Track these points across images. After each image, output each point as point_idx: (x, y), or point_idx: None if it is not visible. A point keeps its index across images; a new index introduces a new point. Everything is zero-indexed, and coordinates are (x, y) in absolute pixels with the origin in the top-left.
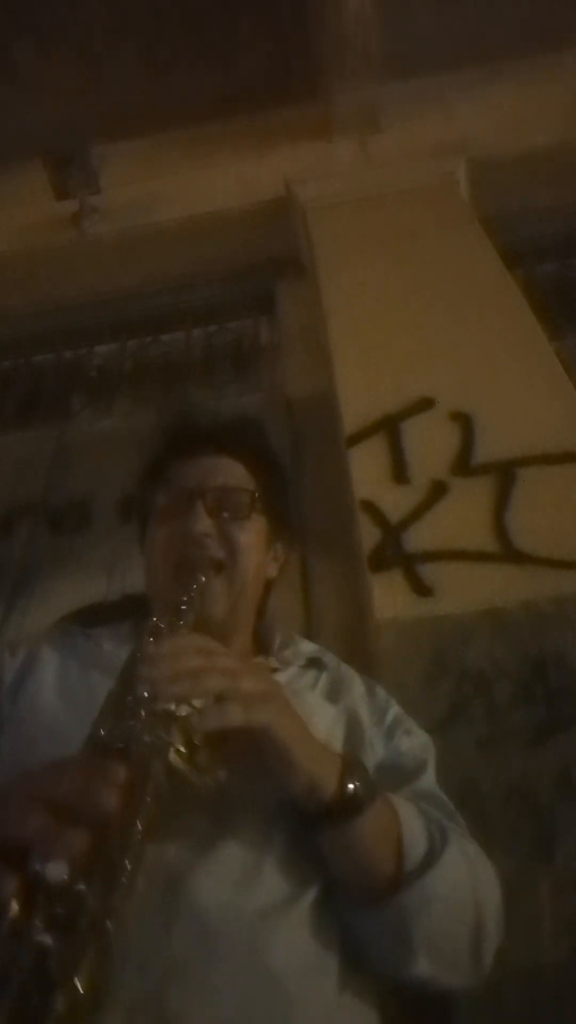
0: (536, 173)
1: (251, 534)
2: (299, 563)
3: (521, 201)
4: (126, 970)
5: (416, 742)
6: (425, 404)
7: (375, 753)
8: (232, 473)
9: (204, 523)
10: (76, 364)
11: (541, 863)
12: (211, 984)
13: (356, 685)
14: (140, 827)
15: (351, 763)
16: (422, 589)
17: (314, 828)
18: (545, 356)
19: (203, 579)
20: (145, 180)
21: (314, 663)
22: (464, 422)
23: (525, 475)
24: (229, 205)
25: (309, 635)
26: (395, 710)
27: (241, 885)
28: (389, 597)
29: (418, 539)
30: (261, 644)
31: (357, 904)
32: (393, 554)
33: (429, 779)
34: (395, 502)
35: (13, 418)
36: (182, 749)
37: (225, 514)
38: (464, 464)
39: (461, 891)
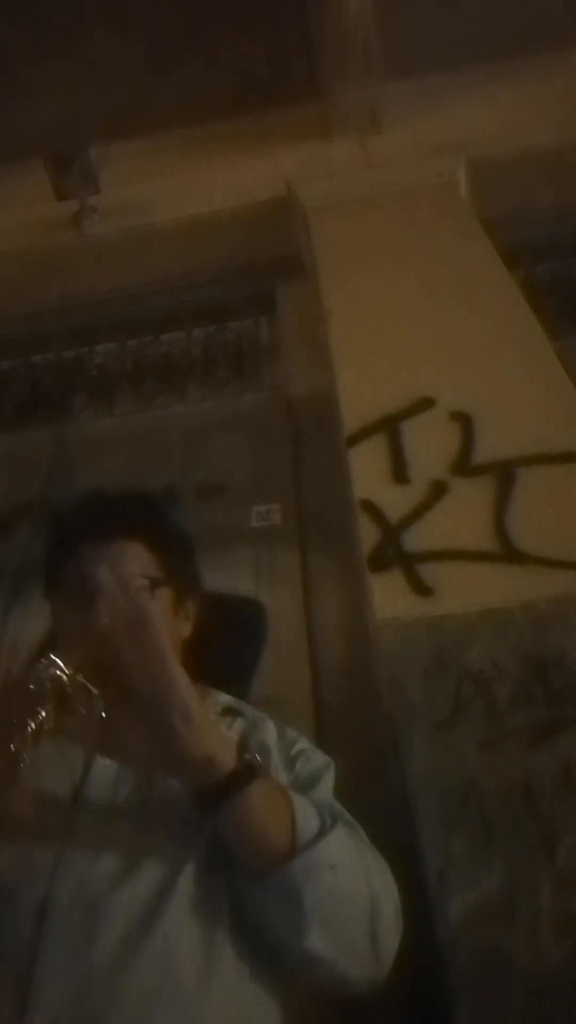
0: (536, 173)
1: None
2: (299, 563)
3: (521, 201)
4: (52, 979)
5: (312, 765)
6: (425, 404)
7: (281, 781)
8: (134, 557)
9: (106, 617)
10: (76, 364)
11: (541, 863)
12: (127, 990)
13: (269, 728)
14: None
15: (243, 740)
16: (422, 589)
17: (212, 802)
18: (545, 356)
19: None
20: (145, 180)
21: (230, 711)
22: (464, 422)
23: (525, 475)
24: (229, 205)
25: (309, 635)
26: (300, 745)
27: (155, 902)
28: (389, 597)
29: (418, 539)
30: None
31: (253, 877)
32: (393, 554)
33: (323, 791)
34: (395, 502)
35: (13, 418)
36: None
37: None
38: (464, 464)
39: (351, 865)
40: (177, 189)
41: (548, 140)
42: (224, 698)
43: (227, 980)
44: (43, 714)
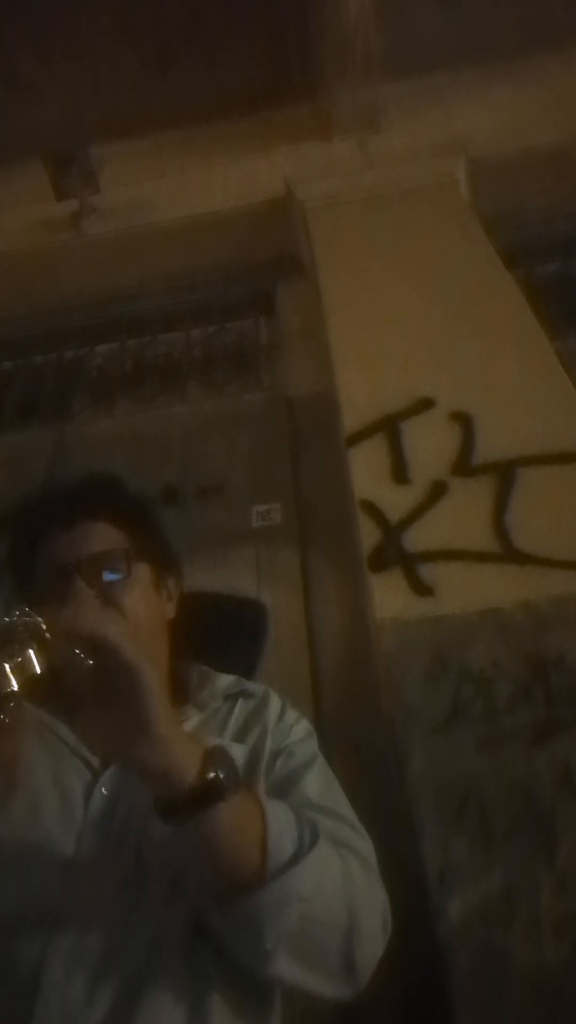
0: (536, 173)
1: (135, 590)
2: (299, 563)
3: (521, 201)
4: None
5: (293, 762)
6: (425, 404)
7: (270, 774)
8: (101, 536)
9: (85, 597)
10: (76, 364)
11: (541, 863)
12: None
13: (271, 711)
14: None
15: (215, 752)
16: (422, 589)
17: (171, 817)
18: (545, 356)
19: None
20: (145, 180)
21: (231, 696)
22: (464, 422)
23: (525, 475)
24: (229, 205)
25: (309, 635)
26: (292, 736)
27: (146, 961)
28: (389, 597)
29: (418, 539)
30: (180, 685)
31: (216, 901)
32: (393, 554)
33: (302, 792)
34: (395, 502)
35: (13, 418)
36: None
37: (105, 579)
38: (464, 464)
39: (328, 891)
40: (177, 189)
41: (548, 140)
42: (225, 681)
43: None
44: (25, 656)
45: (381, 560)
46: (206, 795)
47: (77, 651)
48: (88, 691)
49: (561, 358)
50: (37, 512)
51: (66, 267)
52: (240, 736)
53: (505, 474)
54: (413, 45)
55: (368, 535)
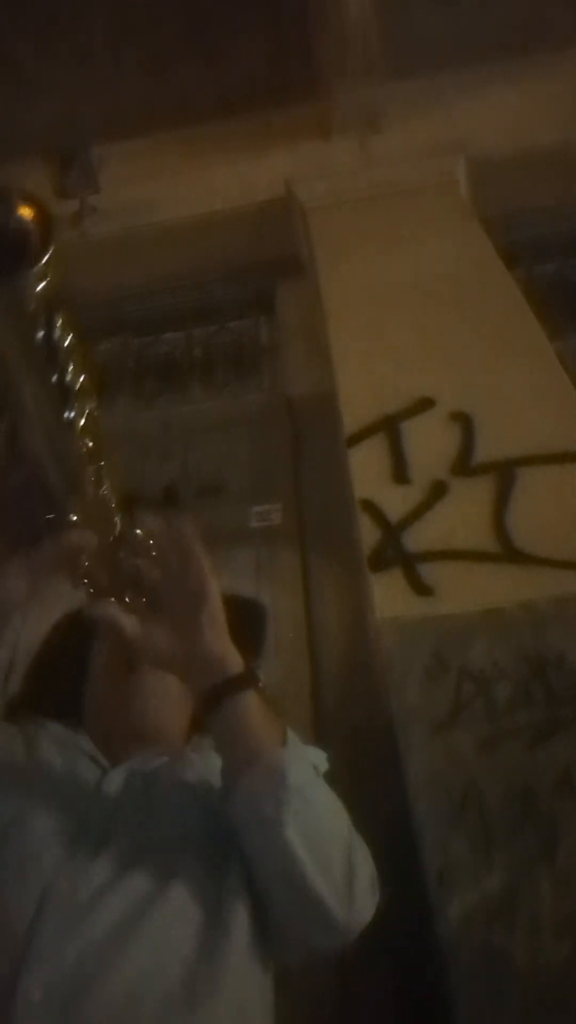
0: (536, 173)
1: None
2: (299, 563)
3: (521, 201)
4: (47, 953)
5: None
6: (425, 404)
7: None
8: None
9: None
10: None
11: (541, 863)
12: (121, 965)
13: None
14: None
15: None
16: (422, 589)
17: (219, 697)
18: (545, 356)
19: None
20: (145, 180)
21: None
22: (464, 422)
23: (525, 475)
24: (229, 205)
25: (309, 635)
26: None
27: (154, 886)
28: (389, 597)
29: (418, 539)
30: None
31: (241, 770)
32: (393, 554)
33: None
34: (395, 502)
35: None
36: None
37: None
38: (464, 464)
39: (330, 799)
40: (177, 189)
41: (548, 140)
42: None
43: (224, 968)
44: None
45: (381, 560)
46: (248, 679)
47: (148, 560)
48: (145, 605)
49: (561, 358)
50: None
51: (66, 267)
52: None
53: (505, 474)
54: (413, 45)
55: (368, 535)
